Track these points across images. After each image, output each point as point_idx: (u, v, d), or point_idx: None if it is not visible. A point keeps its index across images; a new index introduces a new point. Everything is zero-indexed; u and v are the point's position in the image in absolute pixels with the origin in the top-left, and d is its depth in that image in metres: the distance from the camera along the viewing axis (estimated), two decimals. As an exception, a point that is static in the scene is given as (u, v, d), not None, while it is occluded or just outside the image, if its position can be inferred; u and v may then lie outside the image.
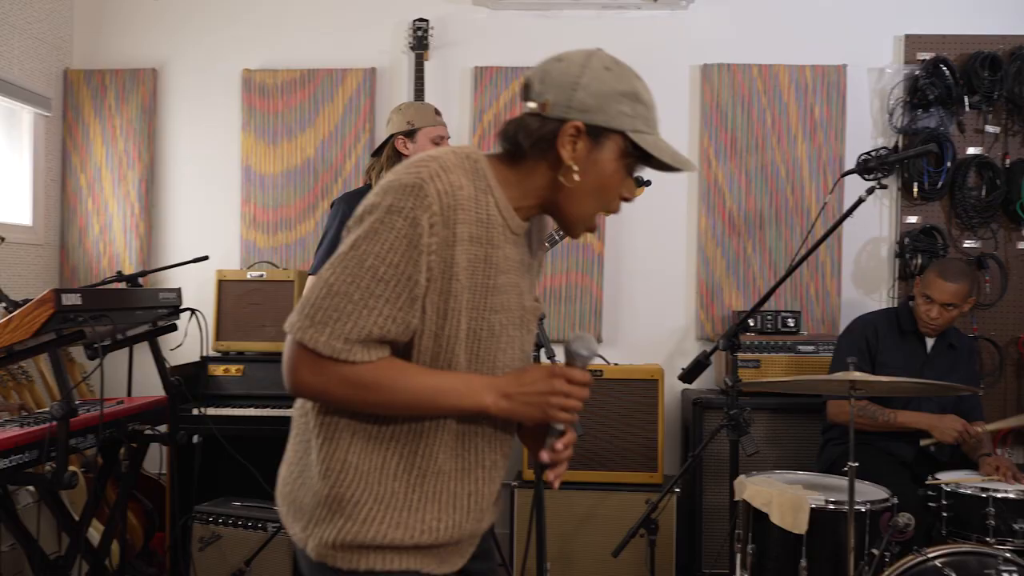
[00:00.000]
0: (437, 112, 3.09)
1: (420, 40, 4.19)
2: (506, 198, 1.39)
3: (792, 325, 3.90)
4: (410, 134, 3.01)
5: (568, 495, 3.72)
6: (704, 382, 4.00)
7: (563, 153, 1.35)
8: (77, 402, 3.08)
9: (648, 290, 4.27)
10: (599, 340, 4.21)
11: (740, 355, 3.81)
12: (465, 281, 1.34)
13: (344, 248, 1.30)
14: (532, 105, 1.37)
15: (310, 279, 2.86)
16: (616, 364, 3.91)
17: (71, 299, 2.57)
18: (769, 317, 3.91)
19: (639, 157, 1.38)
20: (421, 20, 4.20)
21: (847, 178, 3.44)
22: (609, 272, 4.26)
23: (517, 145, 1.38)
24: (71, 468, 2.59)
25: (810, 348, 3.85)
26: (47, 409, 2.94)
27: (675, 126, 4.24)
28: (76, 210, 4.38)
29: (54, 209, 4.37)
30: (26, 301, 2.65)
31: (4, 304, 3.03)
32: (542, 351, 2.63)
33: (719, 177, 4.19)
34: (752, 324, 3.89)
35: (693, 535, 3.79)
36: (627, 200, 1.43)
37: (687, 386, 3.88)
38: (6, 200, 4.08)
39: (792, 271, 3.10)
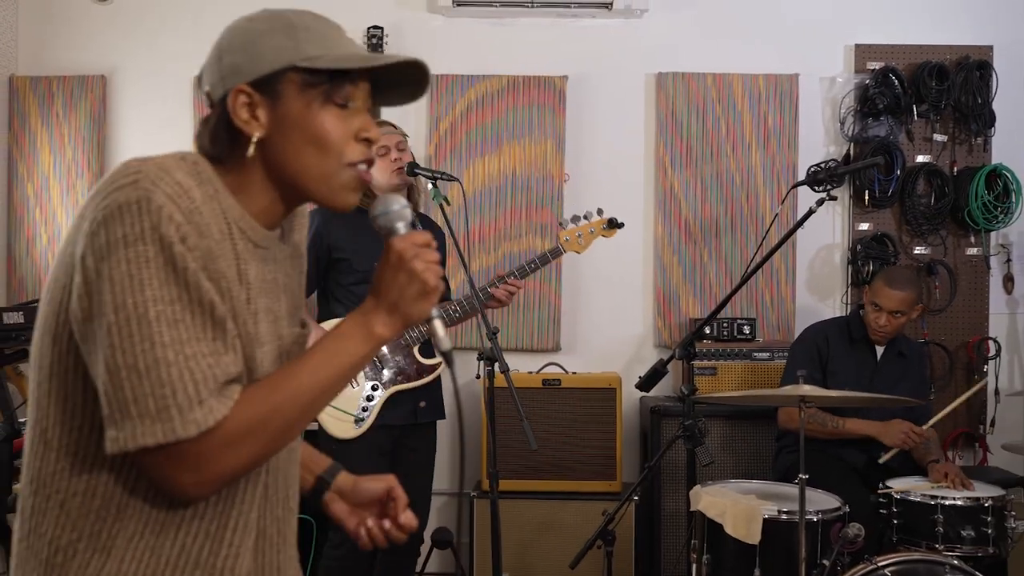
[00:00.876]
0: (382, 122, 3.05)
1: (374, 47, 4.16)
2: (239, 207, 1.15)
3: (748, 332, 3.94)
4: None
5: (526, 504, 3.72)
6: (662, 389, 4.03)
7: (246, 128, 1.13)
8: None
9: (606, 298, 4.29)
10: (558, 348, 4.22)
11: (697, 363, 3.87)
12: (239, 303, 1.12)
13: (110, 318, 1.00)
14: (205, 106, 1.19)
15: None
16: (574, 373, 3.92)
17: (13, 317, 2.52)
18: (725, 324, 3.95)
19: (332, 81, 1.14)
20: (375, 28, 4.17)
21: (800, 187, 3.48)
22: (568, 280, 4.26)
23: (212, 151, 1.16)
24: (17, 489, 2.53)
25: (765, 355, 3.89)
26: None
27: (631, 134, 4.27)
28: (23, 220, 4.28)
29: (0, 219, 4.27)
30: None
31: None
32: (495, 365, 2.62)
33: (675, 185, 4.22)
34: (708, 331, 3.92)
35: (652, 543, 3.81)
36: (369, 140, 1.18)
37: (645, 394, 3.91)
38: (-51, 211, 3.97)
39: (745, 280, 3.13)
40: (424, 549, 3.44)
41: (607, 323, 4.28)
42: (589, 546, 2.95)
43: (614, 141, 4.28)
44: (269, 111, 1.13)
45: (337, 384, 1.14)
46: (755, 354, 3.89)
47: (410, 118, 4.25)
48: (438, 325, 1.17)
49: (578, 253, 3.27)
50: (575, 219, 3.27)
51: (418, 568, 3.77)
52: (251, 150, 1.13)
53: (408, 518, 1.39)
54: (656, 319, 4.24)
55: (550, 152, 4.22)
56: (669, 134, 4.22)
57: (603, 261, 4.27)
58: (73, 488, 1.08)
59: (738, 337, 3.93)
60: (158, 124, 4.34)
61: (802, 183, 3.20)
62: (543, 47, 4.28)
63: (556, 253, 3.22)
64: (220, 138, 1.14)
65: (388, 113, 4.17)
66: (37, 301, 3.54)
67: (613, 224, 3.24)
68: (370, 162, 1.19)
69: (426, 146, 4.25)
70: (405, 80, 1.22)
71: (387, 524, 1.39)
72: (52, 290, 1.09)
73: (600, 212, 3.27)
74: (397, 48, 4.26)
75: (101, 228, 1.02)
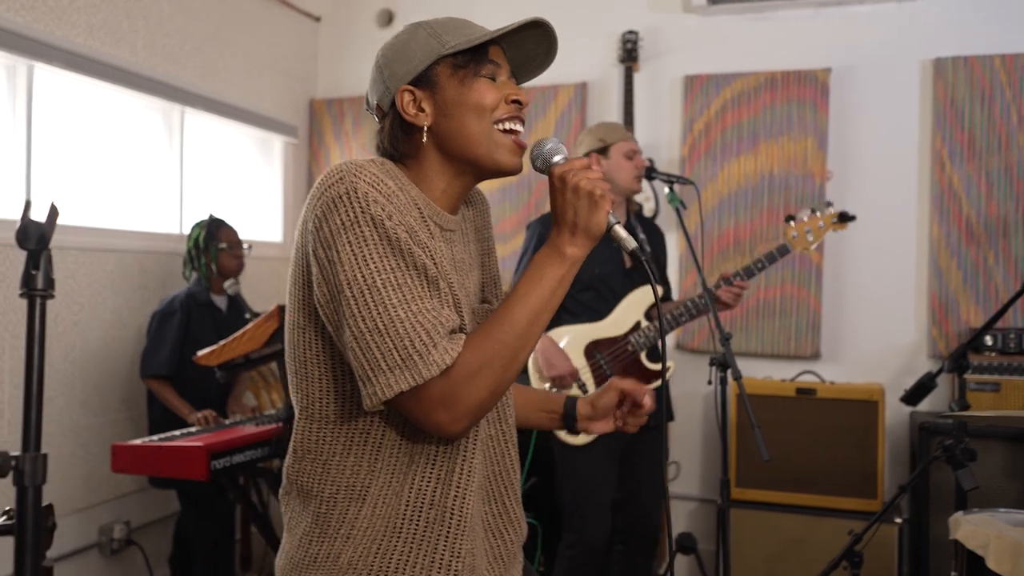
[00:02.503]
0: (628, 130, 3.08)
1: (629, 52, 4.21)
2: (425, 196, 1.32)
3: (1039, 345, 3.49)
4: (603, 150, 3.03)
5: (777, 517, 3.59)
6: (937, 404, 3.71)
7: (416, 120, 1.30)
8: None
9: (872, 304, 4.00)
10: (818, 356, 4.01)
11: (975, 377, 3.51)
12: (444, 270, 1.28)
13: (347, 292, 1.17)
14: (376, 120, 1.37)
15: None
16: (832, 383, 3.71)
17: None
18: (1012, 335, 3.52)
19: (475, 59, 1.30)
20: (630, 32, 4.21)
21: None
22: (828, 285, 4.03)
23: (393, 153, 1.34)
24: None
25: (1062, 371, 3.42)
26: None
27: (903, 127, 3.95)
28: (319, 226, 4.83)
29: (301, 226, 4.85)
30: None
31: (249, 316, 3.42)
32: (728, 372, 2.55)
33: (954, 181, 3.83)
34: (991, 343, 3.53)
35: (918, 570, 3.51)
36: (518, 101, 1.32)
37: (915, 409, 3.61)
38: (260, 219, 4.59)
39: (1029, 287, 2.78)
40: (656, 552, 3.42)
41: (874, 331, 3.99)
42: (833, 566, 2.79)
43: (883, 135, 3.97)
44: (431, 101, 1.30)
45: (546, 308, 1.25)
46: (1048, 370, 3.44)
47: (664, 120, 4.26)
48: (618, 229, 1.28)
49: (806, 251, 3.06)
50: (801, 214, 3.06)
51: (661, 571, 3.77)
52: (424, 138, 1.30)
53: (647, 401, 1.57)
54: (931, 327, 3.88)
55: (810, 149, 4.02)
56: (948, 125, 3.84)
57: (870, 264, 4.00)
58: (332, 449, 1.29)
59: (1028, 350, 3.50)
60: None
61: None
62: (804, 40, 4.08)
63: (783, 251, 3.01)
64: (397, 137, 1.32)
65: (644, 115, 4.21)
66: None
67: (845, 217, 2.99)
68: (522, 121, 1.33)
69: (680, 147, 4.22)
70: (538, 54, 1.38)
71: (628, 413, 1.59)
72: (293, 292, 1.28)
73: (830, 204, 3.04)
74: (653, 53, 4.28)
75: (323, 222, 1.19)
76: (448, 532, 1.28)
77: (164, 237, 3.84)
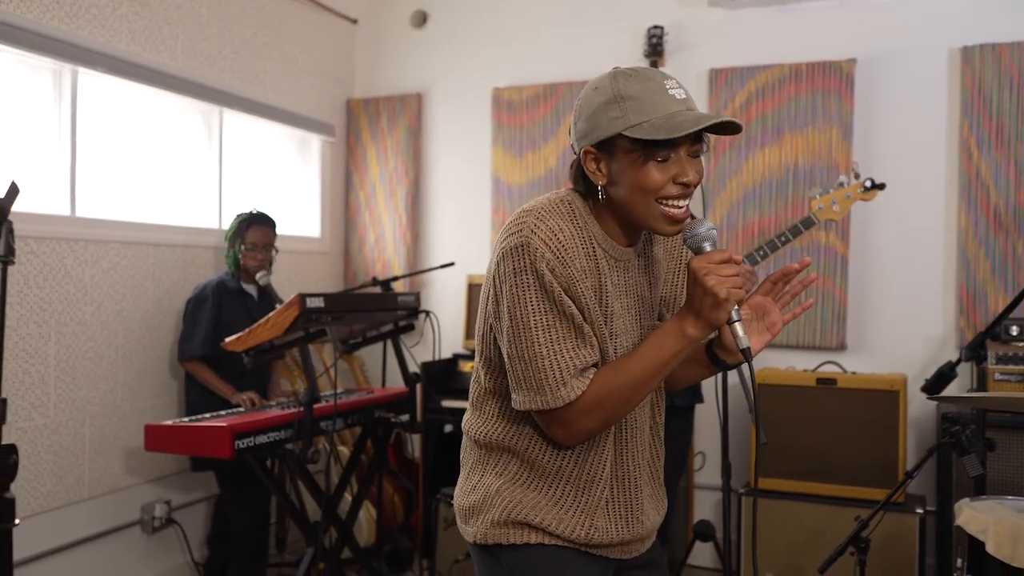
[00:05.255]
0: None
1: (655, 47, 4.25)
2: (602, 230, 1.53)
3: (1067, 335, 3.43)
4: None
5: (799, 506, 3.60)
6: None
7: (593, 178, 1.49)
8: (340, 391, 3.56)
9: (899, 295, 3.97)
10: (843, 347, 4.00)
11: (1001, 368, 3.47)
12: (593, 312, 1.51)
13: (507, 323, 1.47)
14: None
15: None
16: (854, 373, 3.70)
17: (315, 302, 3.01)
18: (1038, 325, 3.48)
19: (648, 150, 1.41)
20: (656, 27, 4.26)
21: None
22: (854, 275, 4.02)
23: (581, 188, 1.55)
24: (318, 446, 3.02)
25: (1090, 361, 3.36)
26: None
27: (929, 116, 3.92)
28: (356, 222, 5.00)
29: (338, 222, 5.02)
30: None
31: (278, 305, 3.57)
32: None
33: (982, 169, 3.79)
34: (1016, 333, 3.49)
35: (942, 559, 3.49)
36: (685, 183, 1.44)
37: (940, 399, 3.59)
38: (299, 215, 4.76)
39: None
40: (673, 541, 3.46)
41: (901, 322, 3.97)
42: (839, 552, 2.80)
43: (909, 125, 3.95)
44: (608, 165, 1.48)
45: (659, 371, 1.47)
46: (1076, 360, 3.38)
47: (689, 114, 4.28)
48: (737, 327, 1.44)
49: (835, 220, 3.08)
50: (826, 188, 3.09)
51: (680, 558, 3.81)
52: (600, 194, 1.51)
53: (795, 267, 1.58)
54: (959, 319, 3.84)
55: (835, 140, 4.01)
56: (975, 113, 3.80)
57: (896, 255, 3.98)
58: (497, 413, 1.62)
59: (1055, 340, 3.44)
60: (462, 135, 4.82)
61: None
62: (829, 31, 4.08)
63: (808, 223, 3.01)
64: (580, 180, 1.55)
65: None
66: (362, 286, 4.13)
67: (874, 186, 3.00)
68: (687, 198, 1.47)
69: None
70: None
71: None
72: (483, 296, 1.57)
73: (856, 176, 3.06)
74: (678, 46, 4.32)
75: (500, 263, 1.49)
76: (575, 505, 1.59)
77: (204, 232, 4.03)
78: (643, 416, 1.67)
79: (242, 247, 3.63)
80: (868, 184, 3.10)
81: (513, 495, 1.59)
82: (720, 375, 2.80)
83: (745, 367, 1.56)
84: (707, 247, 1.44)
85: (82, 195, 3.46)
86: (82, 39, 3.34)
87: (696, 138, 1.44)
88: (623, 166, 1.45)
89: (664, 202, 1.45)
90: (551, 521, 1.57)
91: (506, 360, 1.51)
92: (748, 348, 1.43)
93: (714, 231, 1.44)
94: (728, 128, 1.45)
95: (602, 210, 1.53)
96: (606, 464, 1.60)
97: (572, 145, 1.54)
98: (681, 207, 1.46)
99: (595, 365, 1.50)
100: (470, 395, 1.69)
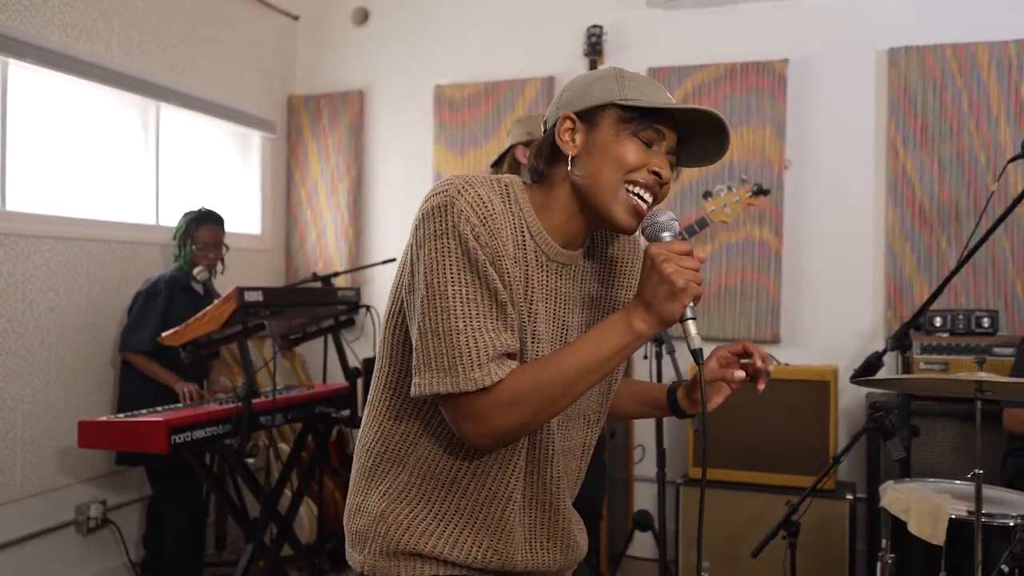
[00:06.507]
0: None
1: (594, 46, 4.32)
2: (539, 223, 1.37)
3: (987, 325, 3.57)
4: (530, 144, 3.10)
5: (735, 495, 3.68)
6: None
7: (564, 147, 1.35)
8: (281, 387, 3.54)
9: (830, 289, 4.09)
10: (777, 340, 4.11)
11: (926, 357, 3.60)
12: (518, 299, 1.33)
13: (422, 292, 1.27)
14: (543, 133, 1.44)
15: None
16: (787, 364, 3.81)
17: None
18: (961, 316, 3.61)
19: (641, 121, 1.32)
20: (595, 27, 4.32)
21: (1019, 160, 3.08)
22: (788, 270, 4.13)
23: (536, 167, 1.41)
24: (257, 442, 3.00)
25: (1008, 351, 3.50)
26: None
27: (859, 115, 4.04)
28: (297, 219, 4.97)
29: (279, 219, 4.99)
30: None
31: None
32: (663, 346, 2.65)
33: (908, 167, 3.92)
34: (941, 324, 3.62)
35: (872, 544, 3.61)
36: (658, 175, 1.33)
37: (870, 389, 3.70)
38: (239, 212, 4.72)
39: (961, 265, 2.88)
40: (598, 526, 3.51)
41: (832, 315, 4.09)
42: (771, 536, 2.88)
43: (840, 124, 4.07)
44: (584, 136, 1.34)
45: (597, 370, 1.28)
46: (995, 349, 3.52)
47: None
48: (690, 325, 1.28)
49: (725, 223, 3.22)
50: (719, 188, 3.23)
51: (619, 549, 3.87)
52: (568, 166, 1.36)
53: (763, 355, 1.51)
54: (887, 311, 3.97)
55: (769, 138, 4.12)
56: (901, 113, 3.93)
57: (827, 250, 4.09)
58: (387, 412, 1.41)
59: (976, 331, 3.58)
60: (404, 132, 4.83)
61: (1018, 157, 2.85)
62: (762, 32, 4.19)
63: (703, 224, 3.15)
64: (543, 155, 1.40)
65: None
66: (303, 282, 4.11)
67: (760, 191, 3.14)
68: (654, 195, 1.35)
69: (643, 139, 4.31)
70: (708, 144, 1.38)
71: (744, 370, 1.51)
72: (397, 272, 1.38)
73: (744, 180, 3.21)
74: (617, 46, 4.39)
75: (420, 225, 1.29)
76: (472, 523, 1.39)
77: (141, 228, 3.97)
78: (575, 432, 1.49)
79: (193, 247, 3.61)
80: (755, 189, 3.26)
81: (399, 519, 1.38)
82: (655, 362, 2.88)
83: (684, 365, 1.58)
84: (666, 237, 1.31)
85: (13, 189, 3.39)
86: (12, 29, 3.27)
87: (674, 146, 1.37)
88: (604, 136, 1.33)
89: (631, 187, 1.32)
90: (444, 546, 1.37)
91: (415, 338, 1.29)
92: (700, 349, 1.29)
93: (675, 222, 1.32)
94: (713, 144, 1.37)
95: (549, 197, 1.38)
96: (513, 478, 1.39)
97: (543, 122, 1.42)
98: (647, 200, 1.34)
99: (515, 355, 1.31)
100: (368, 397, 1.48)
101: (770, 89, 4.11)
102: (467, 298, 1.25)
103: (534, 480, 1.42)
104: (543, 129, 1.42)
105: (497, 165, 2.99)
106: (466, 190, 1.27)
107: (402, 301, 1.35)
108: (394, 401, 1.39)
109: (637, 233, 1.40)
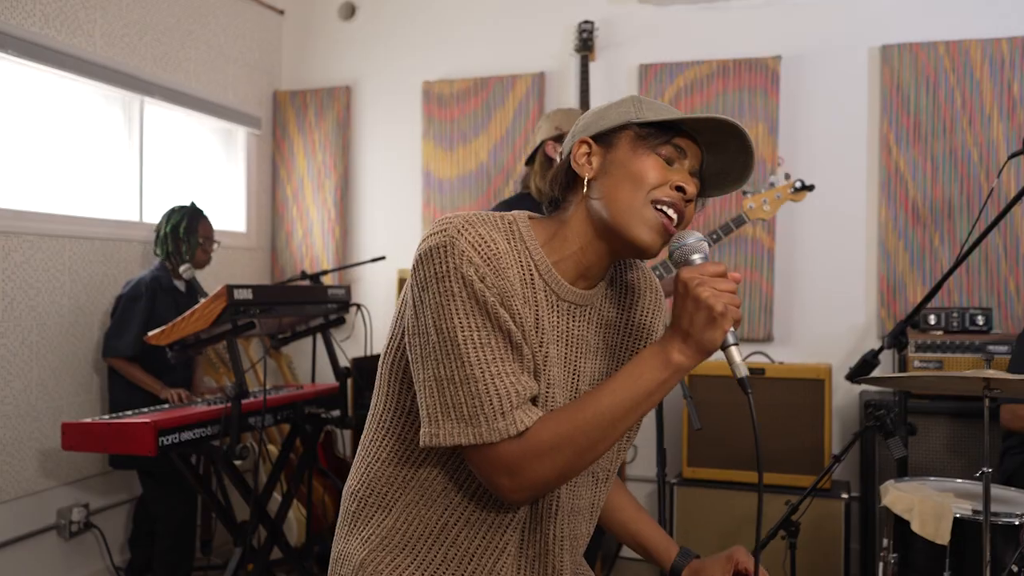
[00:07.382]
0: None
1: (585, 42, 4.27)
2: (547, 261, 1.28)
3: (981, 323, 3.56)
4: (559, 139, 3.05)
5: (730, 495, 3.66)
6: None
7: (580, 170, 1.28)
8: (270, 387, 3.47)
9: (823, 287, 4.08)
10: (770, 338, 4.08)
11: (921, 355, 3.59)
12: (531, 340, 1.24)
13: (433, 338, 1.18)
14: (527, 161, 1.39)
15: None
16: (781, 363, 3.78)
17: (242, 294, 2.92)
18: (955, 315, 3.60)
19: (657, 136, 1.25)
20: (586, 22, 4.27)
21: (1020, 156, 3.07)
22: (780, 268, 4.10)
23: (552, 196, 1.34)
24: (246, 443, 2.94)
25: (1003, 349, 3.50)
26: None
27: (851, 113, 4.03)
28: (283, 216, 4.89)
29: (265, 216, 4.91)
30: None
31: (202, 298, 3.46)
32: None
33: (900, 165, 3.91)
34: (935, 322, 3.61)
35: (867, 541, 3.60)
36: (683, 190, 1.24)
37: (865, 387, 3.69)
38: (224, 209, 4.63)
39: (958, 264, 2.85)
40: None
41: (825, 313, 4.07)
42: (771, 536, 2.85)
43: (832, 121, 4.05)
44: (601, 158, 1.28)
45: (636, 408, 1.18)
46: (990, 347, 3.51)
47: (619, 109, 4.32)
48: (733, 352, 1.18)
49: (765, 220, 3.17)
50: (758, 187, 3.18)
51: (613, 550, 3.83)
52: (585, 189, 1.28)
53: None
54: (880, 309, 3.96)
55: (762, 135, 4.09)
56: (894, 110, 3.92)
57: (820, 248, 4.07)
58: (378, 454, 1.32)
59: (970, 328, 3.57)
60: (392, 127, 4.76)
61: (1018, 153, 2.83)
62: (755, 29, 4.16)
63: (740, 222, 3.09)
64: (558, 180, 1.33)
65: (600, 104, 4.22)
66: (291, 280, 4.04)
67: (804, 187, 3.09)
68: (679, 213, 1.25)
69: (635, 135, 4.28)
70: (733, 168, 1.30)
71: None
72: (396, 312, 1.31)
73: (787, 177, 3.16)
74: (609, 42, 4.35)
75: (419, 266, 1.20)
76: (459, 575, 1.29)
77: (125, 225, 3.89)
78: (584, 490, 1.39)
79: (199, 241, 3.57)
80: (798, 185, 3.20)
81: (379, 568, 1.28)
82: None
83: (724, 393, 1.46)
84: (697, 260, 1.21)
85: (-8, 184, 3.30)
86: (-8, 20, 3.18)
87: (698, 167, 1.29)
88: (621, 155, 1.26)
89: (659, 204, 1.23)
90: None
91: (421, 386, 1.20)
92: (746, 377, 1.18)
93: (705, 243, 1.22)
94: (738, 167, 1.29)
95: (562, 227, 1.30)
96: (510, 530, 1.30)
97: (560, 153, 1.35)
98: (672, 219, 1.24)
99: (536, 401, 1.22)
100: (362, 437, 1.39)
101: (763, 86, 4.09)
102: (480, 343, 1.17)
103: (534, 536, 1.33)
104: (559, 157, 1.35)
105: (530, 163, 2.92)
106: (466, 229, 1.19)
107: (402, 342, 1.26)
108: (396, 446, 1.30)
109: (655, 273, 1.31)
